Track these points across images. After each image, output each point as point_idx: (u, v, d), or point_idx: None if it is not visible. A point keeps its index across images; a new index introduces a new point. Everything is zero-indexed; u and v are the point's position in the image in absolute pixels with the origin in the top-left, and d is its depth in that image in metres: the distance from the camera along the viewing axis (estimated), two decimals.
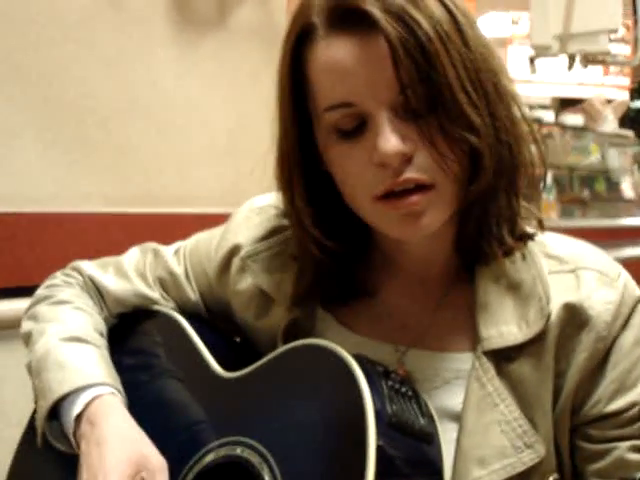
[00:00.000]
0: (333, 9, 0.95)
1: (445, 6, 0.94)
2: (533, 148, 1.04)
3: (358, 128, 0.96)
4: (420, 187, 0.95)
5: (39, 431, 1.12)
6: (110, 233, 1.93)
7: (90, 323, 1.21)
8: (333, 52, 0.95)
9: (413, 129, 0.94)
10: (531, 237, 1.06)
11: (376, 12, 0.91)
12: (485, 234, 1.03)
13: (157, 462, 1.04)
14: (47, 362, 1.14)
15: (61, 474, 1.15)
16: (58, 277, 1.30)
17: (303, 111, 1.01)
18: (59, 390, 1.10)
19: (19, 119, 1.84)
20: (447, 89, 0.92)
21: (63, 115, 1.92)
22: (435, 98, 0.93)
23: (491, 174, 0.97)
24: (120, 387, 1.14)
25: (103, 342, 1.21)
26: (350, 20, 0.93)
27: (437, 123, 0.93)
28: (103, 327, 1.24)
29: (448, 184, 0.96)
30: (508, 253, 1.05)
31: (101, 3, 1.96)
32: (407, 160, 0.94)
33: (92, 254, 1.34)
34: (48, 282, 1.30)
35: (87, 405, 1.09)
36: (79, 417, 1.08)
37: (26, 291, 1.37)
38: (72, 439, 1.09)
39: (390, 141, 0.93)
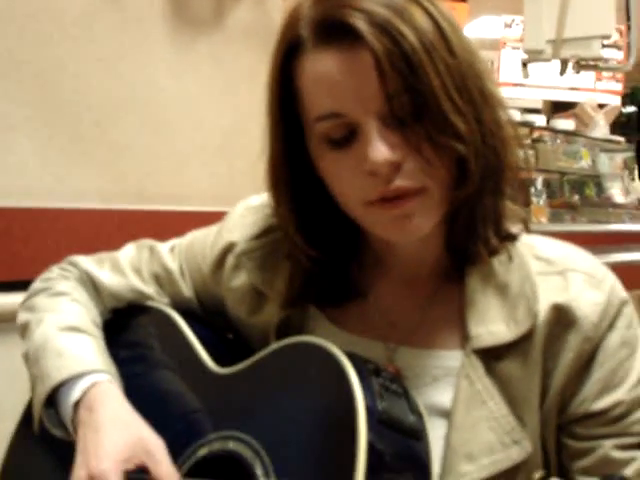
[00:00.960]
0: (320, 22, 0.96)
1: (430, 15, 0.96)
2: (520, 152, 1.06)
3: (348, 137, 0.98)
4: (410, 193, 0.97)
5: (36, 417, 1.13)
6: (105, 229, 1.94)
7: (87, 315, 1.23)
8: (321, 65, 0.97)
9: (401, 137, 0.96)
10: (515, 238, 1.08)
11: (361, 25, 0.92)
12: (471, 235, 1.05)
13: (155, 443, 1.05)
14: (45, 350, 1.15)
15: (57, 461, 1.16)
16: (55, 271, 1.31)
17: (293, 120, 1.03)
18: (57, 376, 1.11)
19: (16, 115, 1.86)
20: (432, 98, 0.93)
21: (60, 111, 1.93)
22: (421, 107, 0.94)
23: (477, 178, 0.99)
24: (117, 375, 1.16)
25: (99, 333, 1.23)
26: (336, 33, 0.95)
27: (424, 131, 0.95)
28: (99, 319, 1.26)
29: (436, 189, 0.98)
30: (493, 253, 1.06)
31: (99, 2, 1.98)
32: (396, 168, 0.96)
33: (87, 250, 1.35)
34: (45, 275, 1.31)
35: (85, 392, 1.10)
36: (77, 404, 1.10)
37: (21, 285, 1.37)
38: (69, 426, 1.11)
39: (379, 150, 0.95)
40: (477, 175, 0.98)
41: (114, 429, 1.05)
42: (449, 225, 1.07)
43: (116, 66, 2.02)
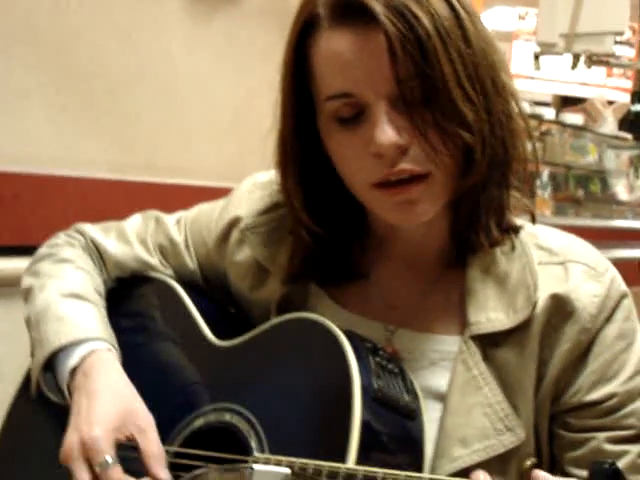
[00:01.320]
0: (337, 2, 0.97)
1: (448, 2, 0.96)
2: (529, 145, 1.07)
3: (357, 117, 0.99)
4: (415, 178, 0.98)
5: (33, 380, 1.15)
6: (112, 199, 1.95)
7: (90, 283, 1.24)
8: (335, 44, 0.98)
9: (409, 121, 0.96)
10: (517, 230, 1.09)
11: (377, 6, 0.93)
12: (474, 224, 1.06)
13: (145, 419, 1.06)
14: (47, 315, 1.17)
15: (53, 424, 1.17)
16: (61, 237, 1.32)
17: (305, 97, 1.04)
18: (57, 341, 1.13)
19: (30, 81, 1.87)
20: (442, 85, 0.94)
21: (73, 80, 1.94)
22: (430, 93, 0.95)
23: (483, 168, 0.99)
24: (116, 344, 1.17)
25: (102, 302, 1.24)
26: (353, 13, 0.95)
27: (431, 117, 0.96)
28: (102, 288, 1.27)
29: (441, 176, 0.99)
30: (495, 244, 1.07)
31: None
32: (402, 151, 0.97)
33: (93, 218, 1.36)
34: (51, 241, 1.32)
35: (83, 358, 1.11)
36: (74, 369, 1.11)
37: (26, 250, 1.39)
38: (65, 391, 1.12)
39: (386, 132, 0.96)
40: (483, 165, 0.99)
41: (107, 397, 1.07)
42: (453, 213, 1.08)
43: (131, 37, 2.03)
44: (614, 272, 1.09)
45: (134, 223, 1.32)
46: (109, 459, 1.00)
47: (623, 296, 1.08)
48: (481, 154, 0.98)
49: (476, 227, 1.06)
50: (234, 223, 1.22)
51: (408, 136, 0.97)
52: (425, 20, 0.93)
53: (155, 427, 1.06)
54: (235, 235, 1.22)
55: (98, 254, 1.30)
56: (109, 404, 1.06)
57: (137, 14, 2.03)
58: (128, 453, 1.03)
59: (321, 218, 1.10)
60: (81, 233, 1.32)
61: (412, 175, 0.98)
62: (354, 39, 0.96)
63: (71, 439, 1.03)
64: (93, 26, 1.96)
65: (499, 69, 1.01)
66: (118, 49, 2.01)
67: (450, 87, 0.94)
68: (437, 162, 0.97)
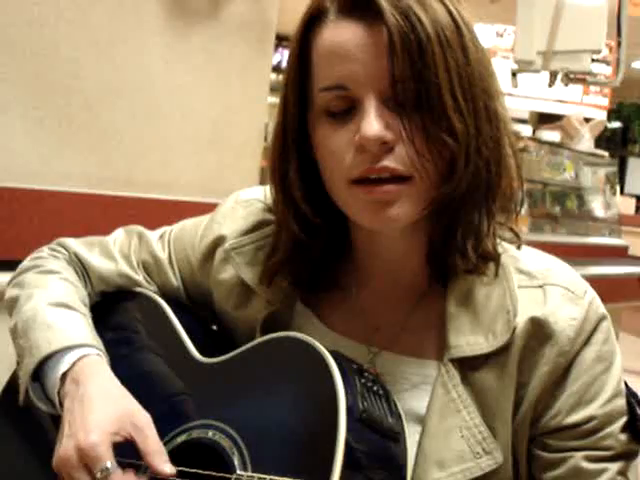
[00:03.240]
0: None
1: (451, 15, 0.98)
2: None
3: (347, 112, 1.00)
4: (395, 179, 0.98)
5: (22, 388, 1.13)
6: (90, 214, 1.94)
7: (76, 294, 1.24)
8: (338, 35, 0.99)
9: (397, 121, 0.97)
10: (497, 259, 1.08)
11: (384, 4, 0.95)
12: (450, 245, 1.05)
13: (143, 417, 1.05)
14: (35, 322, 1.16)
15: (40, 434, 1.17)
16: (45, 251, 1.32)
17: (303, 91, 1.05)
18: (47, 348, 1.12)
19: (8, 94, 1.85)
20: (436, 90, 0.95)
21: (51, 94, 1.93)
22: (423, 97, 0.96)
23: (464, 183, 0.99)
24: (104, 351, 1.16)
25: (88, 312, 1.23)
26: (359, 7, 0.98)
27: (420, 121, 0.97)
28: (87, 300, 1.27)
29: (421, 182, 0.99)
30: (473, 271, 1.07)
31: None
32: (387, 150, 0.97)
33: (71, 233, 1.36)
34: (35, 255, 1.32)
35: (73, 364, 1.11)
36: (64, 376, 1.10)
37: (4, 265, 1.38)
38: (55, 398, 1.11)
39: (373, 126, 0.96)
40: (463, 180, 0.99)
41: (102, 402, 1.05)
42: (430, 232, 1.08)
43: (110, 52, 2.02)
44: (593, 294, 1.09)
45: (117, 239, 1.32)
46: (109, 465, 0.98)
47: (602, 319, 1.08)
48: (463, 167, 0.98)
49: (451, 248, 1.06)
50: (218, 242, 1.22)
51: (395, 135, 0.97)
52: (427, 24, 0.95)
53: (152, 424, 1.05)
54: (219, 254, 1.22)
55: (82, 268, 1.29)
56: (103, 408, 1.04)
57: (115, 28, 2.02)
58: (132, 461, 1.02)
59: (318, 211, 1.09)
60: (64, 247, 1.32)
61: (393, 175, 0.98)
62: (357, 32, 0.98)
63: (67, 447, 1.01)
64: (71, 40, 1.94)
65: (494, 97, 1.02)
66: (96, 63, 2.00)
67: (443, 93, 0.95)
68: (419, 167, 0.97)
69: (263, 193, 1.22)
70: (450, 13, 0.98)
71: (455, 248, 1.05)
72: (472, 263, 1.06)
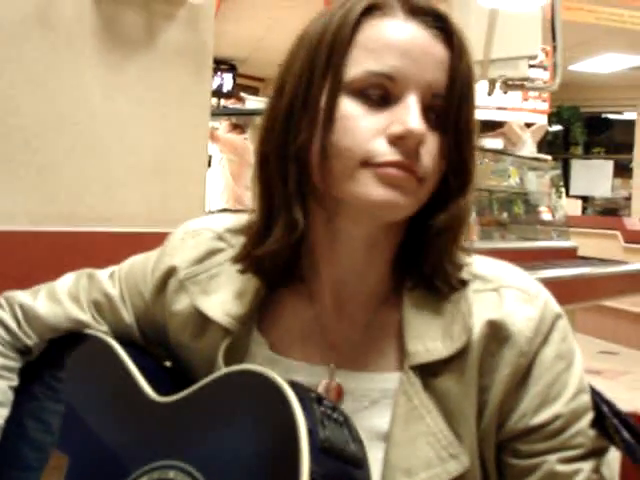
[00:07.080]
0: (414, 3, 1.04)
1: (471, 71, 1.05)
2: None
3: (380, 101, 1.01)
4: (411, 171, 1.00)
5: None
6: (35, 252, 1.90)
7: None
8: (403, 31, 1.02)
9: (430, 131, 1.02)
10: (458, 287, 1.09)
11: (454, 27, 1.03)
12: (415, 264, 1.09)
13: None
14: None
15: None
16: None
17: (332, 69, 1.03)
18: None
19: None
20: (464, 121, 1.02)
21: None
22: (451, 119, 1.02)
23: (455, 212, 1.04)
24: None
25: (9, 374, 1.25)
26: (429, 15, 1.03)
27: (439, 141, 1.02)
28: (12, 364, 1.27)
29: (422, 190, 1.02)
30: (431, 289, 1.09)
31: (29, 21, 1.95)
32: (418, 150, 1.00)
33: (16, 272, 1.34)
34: None
35: None
36: None
37: None
38: None
39: (419, 122, 0.99)
40: (456, 210, 1.04)
41: None
42: (393, 250, 1.10)
43: (46, 87, 2.00)
44: (547, 294, 1.11)
45: (65, 282, 1.31)
46: None
47: (558, 317, 1.09)
48: (460, 199, 1.05)
49: (416, 266, 1.09)
50: (170, 273, 1.21)
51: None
52: (470, 70, 1.03)
53: None
54: (172, 285, 1.20)
55: (27, 320, 1.27)
56: None
57: (51, 62, 2.00)
58: None
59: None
60: (7, 301, 1.30)
61: (411, 169, 1.00)
62: (425, 38, 1.02)
63: None
64: (7, 77, 1.92)
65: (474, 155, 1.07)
66: (33, 98, 1.97)
67: (470, 127, 1.04)
68: (428, 176, 1.01)
69: (210, 222, 1.22)
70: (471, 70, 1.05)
71: (419, 267, 1.09)
72: (433, 284, 1.08)
